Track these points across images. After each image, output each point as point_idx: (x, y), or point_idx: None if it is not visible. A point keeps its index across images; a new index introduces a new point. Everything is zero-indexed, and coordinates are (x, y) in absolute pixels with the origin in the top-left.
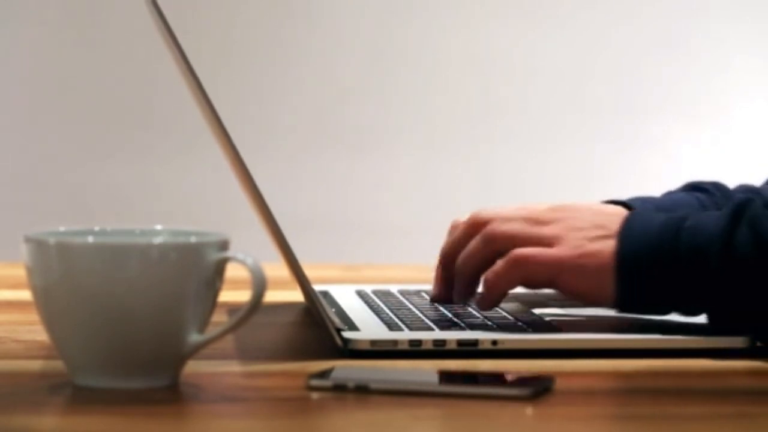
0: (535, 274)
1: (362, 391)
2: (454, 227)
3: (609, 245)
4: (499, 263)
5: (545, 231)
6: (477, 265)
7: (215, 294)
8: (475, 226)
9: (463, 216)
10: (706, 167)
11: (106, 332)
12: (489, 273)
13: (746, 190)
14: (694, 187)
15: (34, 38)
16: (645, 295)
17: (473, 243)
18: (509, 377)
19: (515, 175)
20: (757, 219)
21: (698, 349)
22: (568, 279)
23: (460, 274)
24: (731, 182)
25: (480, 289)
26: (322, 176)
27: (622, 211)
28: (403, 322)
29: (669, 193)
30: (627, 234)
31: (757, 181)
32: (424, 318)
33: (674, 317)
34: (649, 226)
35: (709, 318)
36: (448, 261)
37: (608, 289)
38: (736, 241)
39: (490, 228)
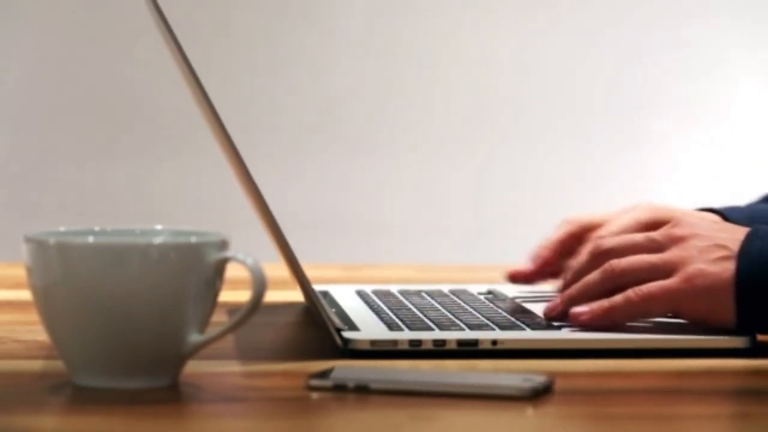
0: (654, 309)
1: (362, 391)
2: (565, 224)
3: (728, 267)
4: (619, 299)
5: (666, 257)
6: (597, 295)
7: (215, 294)
8: (596, 255)
9: (574, 214)
10: (705, 167)
11: (106, 332)
12: (606, 302)
13: None
14: None
15: (34, 38)
16: (765, 317)
17: (593, 277)
18: (509, 377)
19: (514, 174)
20: None
21: (698, 349)
22: (688, 307)
23: (572, 301)
24: (731, 182)
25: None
26: (322, 176)
27: (742, 229)
28: (403, 322)
29: (755, 203)
30: (746, 255)
31: (757, 181)
32: (424, 318)
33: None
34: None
35: None
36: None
37: (728, 312)
38: None
39: (610, 265)
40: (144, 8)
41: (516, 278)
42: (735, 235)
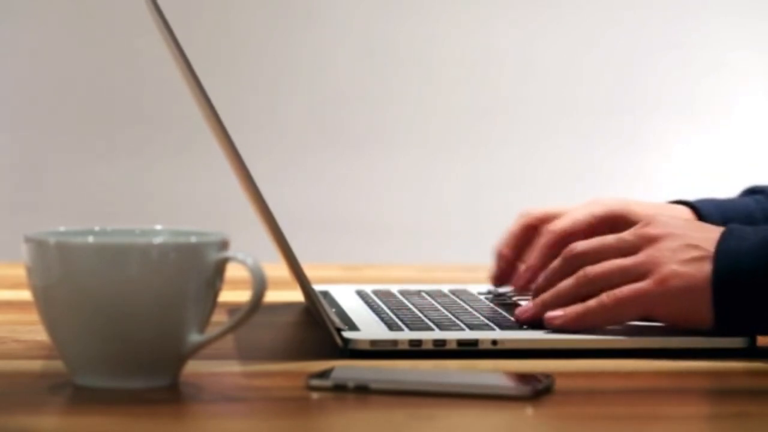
0: (627, 313)
1: (362, 391)
2: (521, 217)
3: (703, 268)
4: (593, 303)
5: (638, 260)
6: (568, 302)
7: (215, 294)
8: (569, 260)
9: (532, 207)
10: (705, 167)
11: (106, 332)
12: (581, 306)
13: None
14: (753, 191)
15: (34, 38)
16: (744, 316)
17: (567, 284)
18: (509, 377)
19: (514, 174)
20: None
21: (698, 349)
22: (662, 310)
23: (546, 306)
24: (732, 182)
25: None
26: (322, 176)
27: (716, 228)
28: (403, 322)
29: (731, 198)
30: (722, 256)
31: (756, 181)
32: (424, 318)
33: None
34: (744, 246)
35: None
36: (539, 292)
37: (704, 312)
38: None
39: (584, 272)
40: (144, 8)
41: (499, 283)
42: (709, 234)
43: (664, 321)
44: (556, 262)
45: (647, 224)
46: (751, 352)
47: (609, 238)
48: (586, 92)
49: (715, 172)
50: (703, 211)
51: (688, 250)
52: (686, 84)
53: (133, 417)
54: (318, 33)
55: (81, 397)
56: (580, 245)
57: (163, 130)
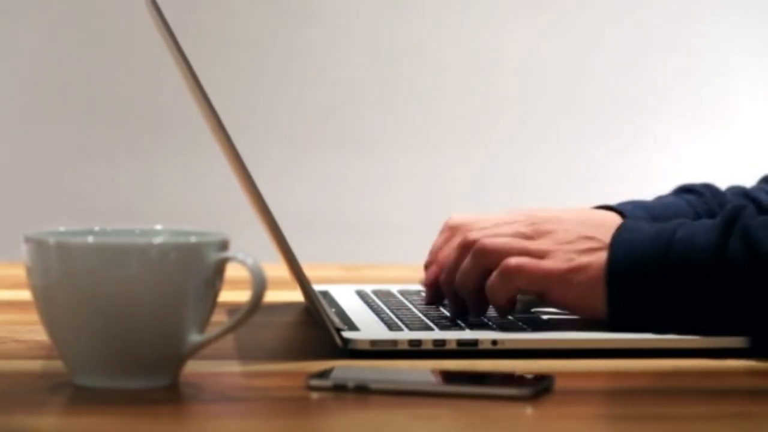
0: (526, 284)
1: (362, 391)
2: (446, 228)
3: (599, 258)
4: (494, 275)
5: (536, 245)
6: (475, 280)
7: (215, 294)
8: (465, 246)
9: (454, 214)
10: (706, 167)
11: (106, 332)
12: (487, 285)
13: (737, 192)
14: (685, 190)
15: (34, 38)
16: (636, 307)
17: (466, 263)
18: (509, 377)
19: (515, 175)
20: (748, 229)
21: (698, 349)
22: (557, 292)
23: (465, 293)
24: (731, 183)
25: None
26: (322, 176)
27: (612, 222)
28: (403, 322)
29: (660, 198)
30: (617, 247)
31: (755, 182)
32: (424, 318)
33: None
34: (639, 238)
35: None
36: (448, 285)
37: (598, 302)
38: (728, 252)
39: (479, 244)
40: (144, 8)
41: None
42: (604, 227)
43: (558, 305)
44: (453, 252)
45: (543, 222)
46: (751, 352)
47: (505, 228)
48: (589, 94)
49: (717, 173)
50: (630, 216)
51: (582, 241)
52: (690, 86)
53: (133, 417)
54: (319, 33)
55: (81, 397)
56: (476, 233)
57: (164, 130)
